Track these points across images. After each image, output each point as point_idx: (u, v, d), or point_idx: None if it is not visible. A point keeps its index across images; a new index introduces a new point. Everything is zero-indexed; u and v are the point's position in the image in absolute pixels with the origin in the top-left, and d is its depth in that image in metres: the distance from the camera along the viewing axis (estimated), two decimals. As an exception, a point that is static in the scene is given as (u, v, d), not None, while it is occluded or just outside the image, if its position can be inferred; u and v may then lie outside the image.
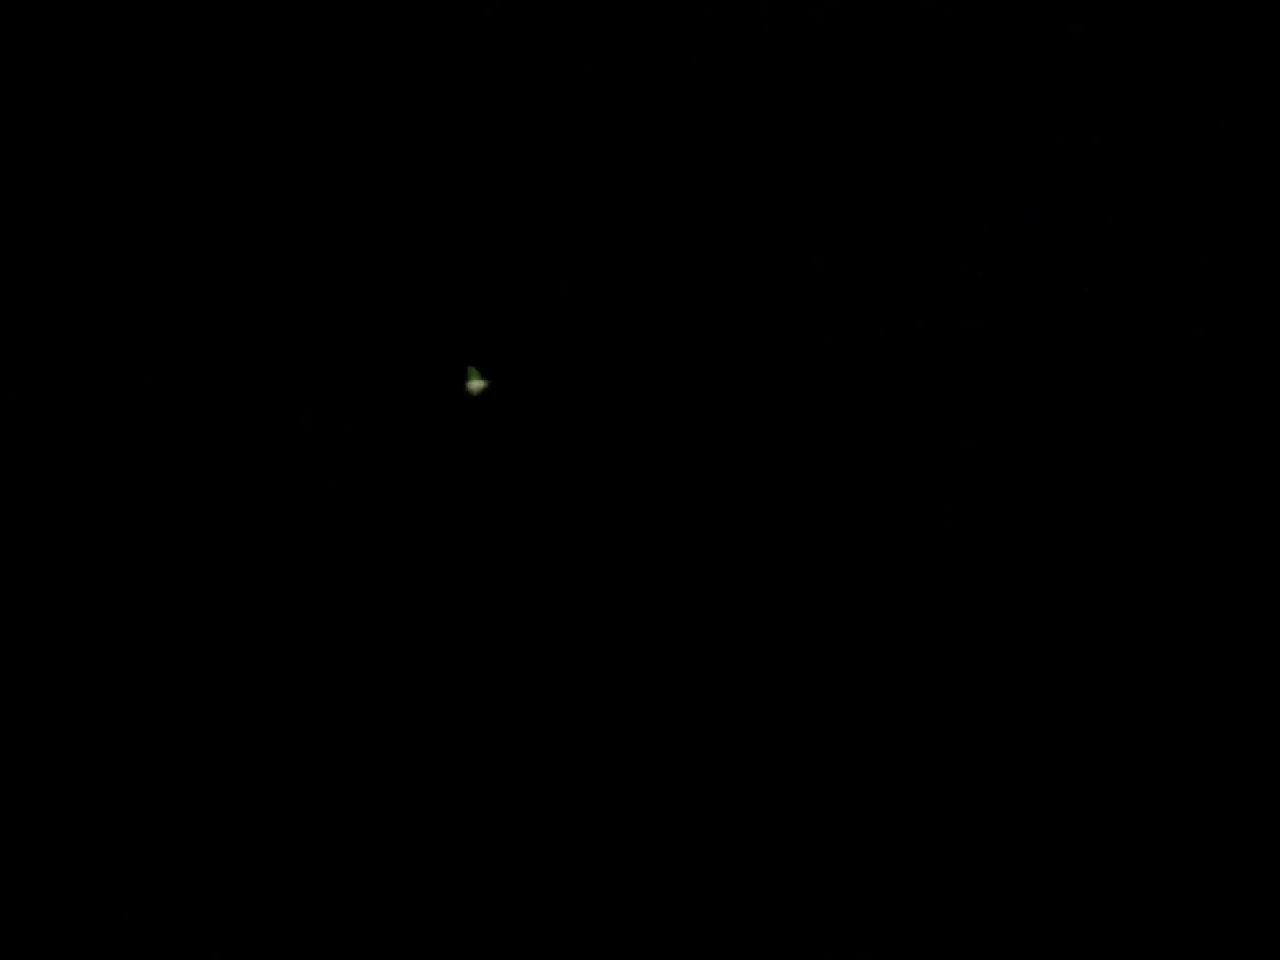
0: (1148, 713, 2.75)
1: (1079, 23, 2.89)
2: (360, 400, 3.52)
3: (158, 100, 2.84)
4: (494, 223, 3.39)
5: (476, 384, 2.89)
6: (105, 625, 3.02)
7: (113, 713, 2.85)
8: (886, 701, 2.84)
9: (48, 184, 2.85)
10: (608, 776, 2.69)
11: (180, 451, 3.16)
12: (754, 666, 2.96)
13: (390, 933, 2.46)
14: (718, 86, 3.01)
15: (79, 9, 2.51)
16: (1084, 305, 3.70)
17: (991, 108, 3.15)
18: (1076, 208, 3.49)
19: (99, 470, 3.17)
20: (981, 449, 3.51)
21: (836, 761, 2.69)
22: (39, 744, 2.82)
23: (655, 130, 3.19)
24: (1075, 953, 2.32)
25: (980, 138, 3.26)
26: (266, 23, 2.67)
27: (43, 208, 2.89)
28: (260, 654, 2.83)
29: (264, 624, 2.94)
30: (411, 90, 2.96)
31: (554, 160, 3.26)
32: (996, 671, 2.88)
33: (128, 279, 3.05)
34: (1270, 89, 3.02)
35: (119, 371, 3.12)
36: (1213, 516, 3.20)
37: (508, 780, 2.73)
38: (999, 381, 3.78)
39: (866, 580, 3.16)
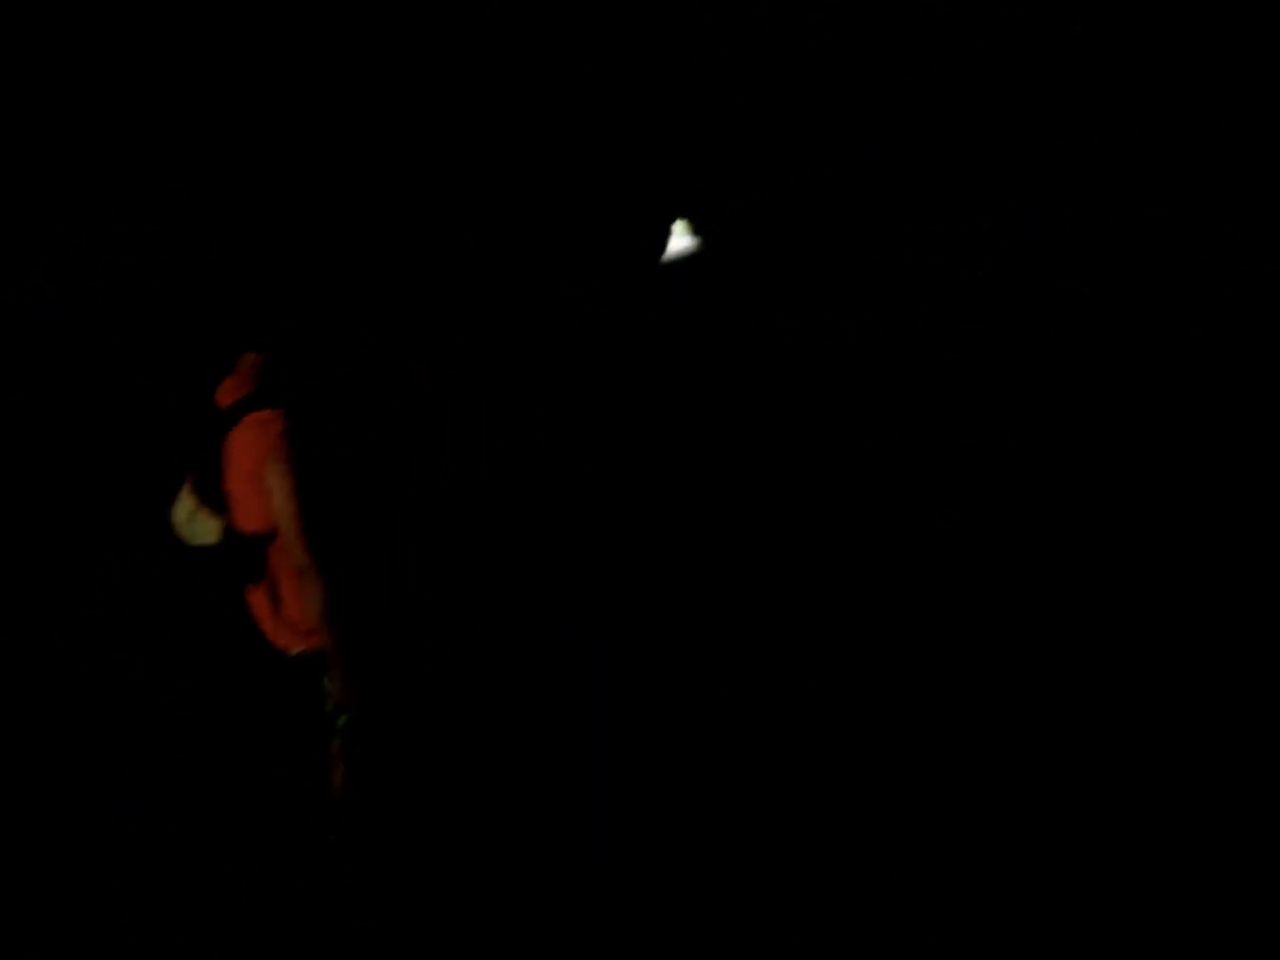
0: (1146, 709, 2.75)
1: (1079, 23, 2.89)
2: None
3: (169, 101, 2.85)
4: (495, 221, 3.39)
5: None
6: (104, 618, 3.02)
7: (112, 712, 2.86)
8: (885, 701, 2.83)
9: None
10: (608, 776, 2.69)
11: (174, 445, 3.16)
12: (754, 666, 2.96)
13: (394, 929, 2.46)
14: (717, 86, 3.01)
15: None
16: (1084, 305, 3.70)
17: (991, 108, 3.15)
18: (1076, 208, 3.49)
19: (99, 467, 3.17)
20: (981, 449, 3.51)
21: (836, 759, 2.69)
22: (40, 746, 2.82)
23: (655, 130, 3.19)
24: (1074, 953, 2.32)
25: (980, 138, 3.26)
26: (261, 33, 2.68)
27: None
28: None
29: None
30: (414, 91, 2.96)
31: (554, 160, 3.26)
32: (996, 670, 2.88)
33: (141, 282, 3.05)
34: (1269, 89, 3.02)
35: (120, 371, 3.12)
36: (1212, 513, 3.19)
37: (509, 778, 2.73)
38: (999, 381, 3.78)
39: (866, 579, 3.16)
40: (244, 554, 2.19)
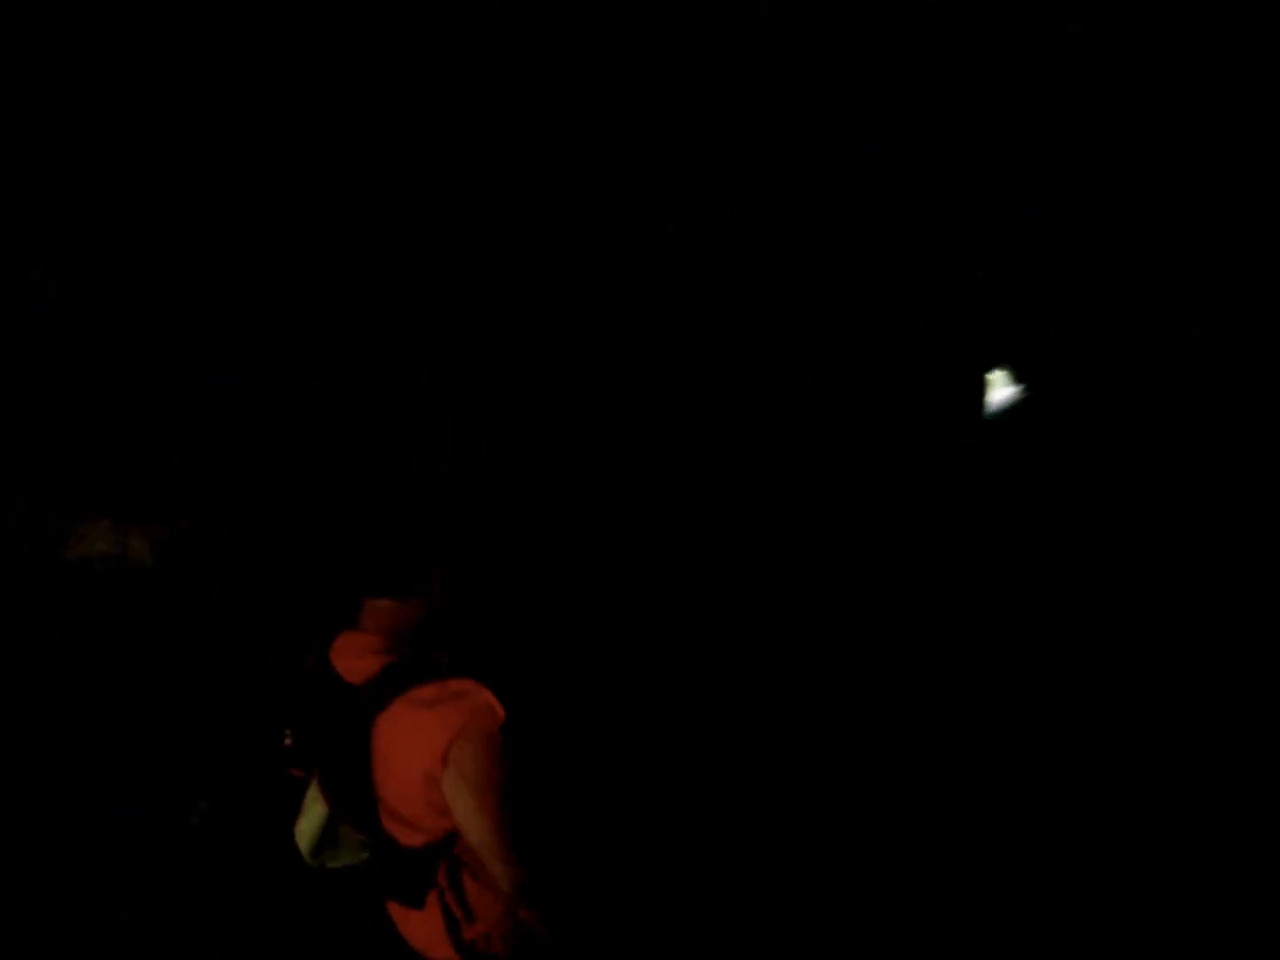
0: (1145, 709, 2.75)
1: (1079, 23, 2.88)
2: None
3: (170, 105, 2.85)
4: (495, 221, 3.39)
5: None
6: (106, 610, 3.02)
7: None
8: (885, 701, 2.83)
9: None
10: (608, 776, 2.69)
11: (171, 439, 3.17)
12: (754, 666, 2.96)
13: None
14: (717, 86, 3.00)
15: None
16: (1084, 305, 3.70)
17: (991, 108, 3.15)
18: (1076, 208, 3.48)
19: (99, 467, 3.18)
20: (981, 449, 3.50)
21: (835, 759, 2.69)
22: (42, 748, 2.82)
23: (655, 130, 3.19)
24: (1074, 954, 2.32)
25: (980, 138, 3.26)
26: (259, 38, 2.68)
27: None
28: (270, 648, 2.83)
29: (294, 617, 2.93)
30: (413, 90, 2.96)
31: (553, 160, 3.25)
32: (996, 670, 2.88)
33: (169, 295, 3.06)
34: (1270, 89, 3.02)
35: (120, 371, 3.12)
36: (1212, 513, 3.19)
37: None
38: (999, 381, 3.78)
39: (866, 579, 3.16)
40: (399, 870, 1.56)
